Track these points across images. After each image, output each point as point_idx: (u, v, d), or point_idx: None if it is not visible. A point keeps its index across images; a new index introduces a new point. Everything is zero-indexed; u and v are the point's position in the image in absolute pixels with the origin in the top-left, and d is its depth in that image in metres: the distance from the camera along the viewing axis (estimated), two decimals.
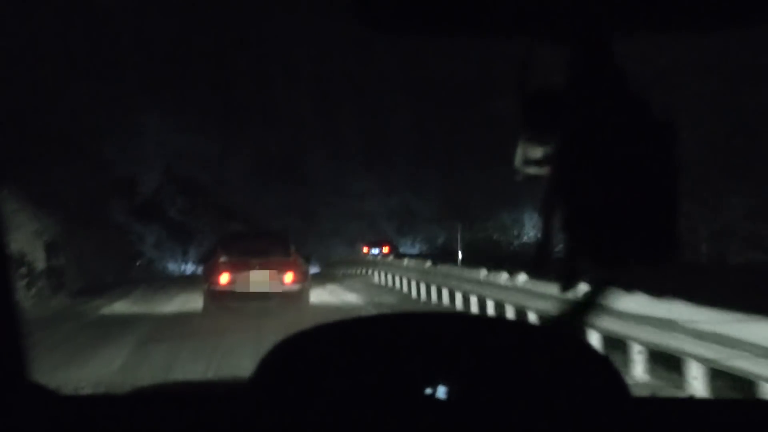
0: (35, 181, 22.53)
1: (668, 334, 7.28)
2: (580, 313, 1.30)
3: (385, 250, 37.99)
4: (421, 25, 1.16)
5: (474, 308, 14.97)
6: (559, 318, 1.31)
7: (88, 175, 30.10)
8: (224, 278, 14.78)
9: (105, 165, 34.43)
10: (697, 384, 6.96)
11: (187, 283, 25.02)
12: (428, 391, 1.17)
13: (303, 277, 15.46)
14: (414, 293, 20.00)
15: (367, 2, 1.10)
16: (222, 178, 47.92)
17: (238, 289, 14.64)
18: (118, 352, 10.85)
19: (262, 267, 14.86)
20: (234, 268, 14.84)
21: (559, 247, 1.19)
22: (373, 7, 1.11)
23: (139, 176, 38.73)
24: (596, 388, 1.18)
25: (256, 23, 47.25)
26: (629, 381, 1.70)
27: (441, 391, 1.17)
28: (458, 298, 16.41)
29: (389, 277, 23.72)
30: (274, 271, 14.91)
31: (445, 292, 17.34)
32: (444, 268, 18.58)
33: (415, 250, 52.14)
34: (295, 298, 14.90)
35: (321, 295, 18.89)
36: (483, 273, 14.88)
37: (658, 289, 6.91)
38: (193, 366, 9.43)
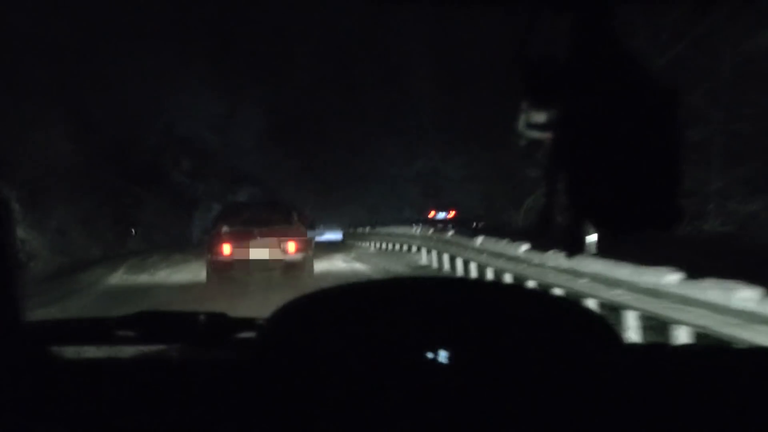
0: None
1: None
2: None
3: (451, 214, 37.37)
4: None
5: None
6: None
7: (71, 133, 26.06)
8: (226, 248, 14.79)
9: (93, 123, 30.39)
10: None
11: (189, 257, 21.06)
12: (429, 355, 1.19)
13: (306, 246, 15.40)
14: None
15: None
16: (231, 139, 43.94)
17: (240, 258, 14.71)
18: None
19: (263, 236, 14.86)
20: (236, 237, 14.88)
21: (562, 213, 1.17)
22: None
23: (137, 135, 34.49)
24: (594, 348, 1.19)
25: None
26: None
27: (442, 356, 1.19)
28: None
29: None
30: (275, 240, 14.91)
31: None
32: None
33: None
34: (298, 268, 14.88)
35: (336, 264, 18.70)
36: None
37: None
38: None
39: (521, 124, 1.22)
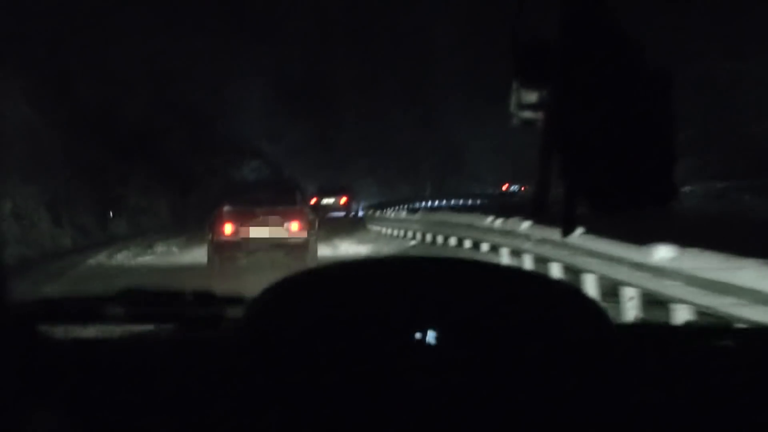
0: None
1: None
2: None
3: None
4: None
5: None
6: None
7: (30, 92, 21.12)
8: (228, 229, 14.67)
9: (65, 83, 25.45)
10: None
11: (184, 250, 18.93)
12: (418, 335, 1.18)
13: (309, 227, 15.17)
14: None
15: None
16: (233, 108, 38.99)
17: (242, 239, 14.61)
18: None
19: (266, 217, 14.73)
20: (238, 218, 14.74)
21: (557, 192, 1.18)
22: None
23: (121, 100, 29.14)
24: (587, 331, 1.20)
25: None
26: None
27: (431, 336, 1.18)
28: None
29: None
30: (278, 221, 14.75)
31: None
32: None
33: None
34: (301, 249, 14.68)
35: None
36: None
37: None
38: None
39: (513, 104, 1.23)
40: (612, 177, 1.14)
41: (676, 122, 1.15)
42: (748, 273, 5.93)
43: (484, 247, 14.77)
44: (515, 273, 1.46)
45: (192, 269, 14.92)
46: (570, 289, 1.28)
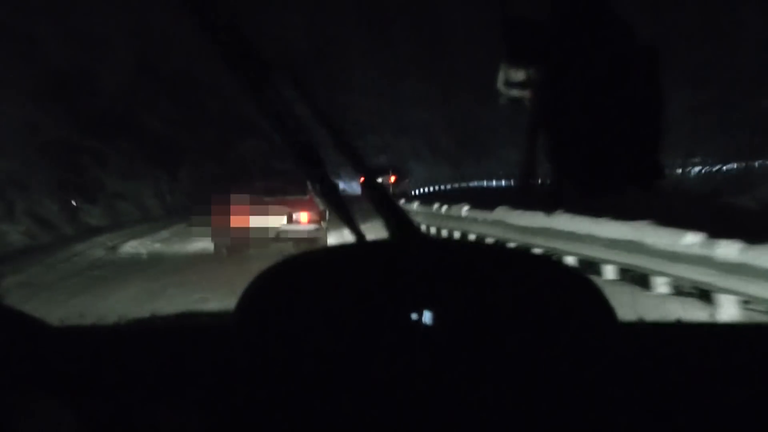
0: None
1: None
2: None
3: None
4: None
5: None
6: None
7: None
8: (235, 219, 13.76)
9: (22, 47, 21.13)
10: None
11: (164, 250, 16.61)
12: (414, 316, 1.17)
13: (320, 218, 14.40)
14: None
15: None
16: (228, 75, 34.59)
17: (252, 230, 13.86)
18: None
19: (275, 207, 14.13)
20: (245, 208, 13.87)
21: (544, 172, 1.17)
22: None
23: (96, 68, 24.64)
24: (580, 308, 1.18)
25: None
26: None
27: (427, 317, 1.17)
28: None
29: None
30: (288, 211, 14.28)
31: None
32: None
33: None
34: (311, 240, 13.97)
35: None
36: None
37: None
38: None
39: (500, 82, 1.21)
40: (598, 157, 1.12)
41: (665, 102, 1.13)
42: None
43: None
44: (508, 253, 1.39)
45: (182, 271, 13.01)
46: (556, 264, 1.26)
